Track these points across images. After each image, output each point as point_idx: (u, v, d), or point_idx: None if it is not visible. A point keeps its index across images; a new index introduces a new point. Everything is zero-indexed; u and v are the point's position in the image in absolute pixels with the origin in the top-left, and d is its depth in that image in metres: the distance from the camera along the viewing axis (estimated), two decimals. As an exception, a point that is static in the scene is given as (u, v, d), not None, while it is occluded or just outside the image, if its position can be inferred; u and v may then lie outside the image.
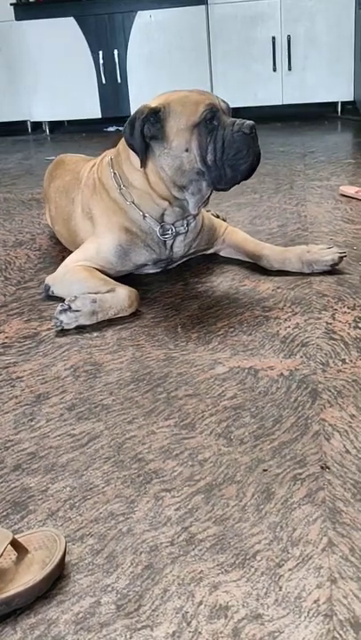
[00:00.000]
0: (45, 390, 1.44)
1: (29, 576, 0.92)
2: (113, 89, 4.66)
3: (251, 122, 1.70)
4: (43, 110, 4.83)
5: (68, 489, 1.12)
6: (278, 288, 1.83)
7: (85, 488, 1.12)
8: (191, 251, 1.99)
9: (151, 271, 1.98)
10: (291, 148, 3.67)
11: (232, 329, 1.63)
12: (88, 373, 1.49)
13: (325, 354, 1.48)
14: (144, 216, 1.82)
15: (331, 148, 3.62)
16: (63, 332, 1.68)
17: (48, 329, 1.71)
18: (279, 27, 4.34)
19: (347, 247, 2.06)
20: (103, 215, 1.88)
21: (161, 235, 1.85)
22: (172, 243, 1.90)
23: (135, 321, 1.72)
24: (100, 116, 4.75)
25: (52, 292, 1.85)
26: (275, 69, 4.44)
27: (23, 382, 1.48)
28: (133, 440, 1.24)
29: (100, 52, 4.58)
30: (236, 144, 1.68)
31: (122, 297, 1.73)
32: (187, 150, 1.70)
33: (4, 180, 3.51)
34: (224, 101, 1.77)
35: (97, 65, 4.62)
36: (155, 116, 1.69)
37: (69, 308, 1.69)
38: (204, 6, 4.35)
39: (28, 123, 4.95)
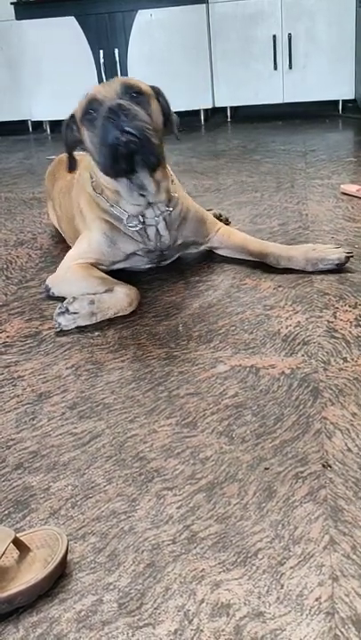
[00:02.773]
0: (47, 389, 1.44)
1: (31, 574, 0.92)
2: (114, 88, 4.65)
3: (113, 102, 1.61)
4: (43, 110, 4.82)
5: (69, 488, 1.12)
6: (279, 286, 1.83)
7: (87, 487, 1.12)
8: (179, 241, 1.95)
9: (146, 266, 1.96)
10: (292, 147, 3.67)
11: (233, 327, 1.63)
12: (89, 372, 1.49)
13: (327, 352, 1.48)
14: (111, 205, 1.84)
15: (332, 146, 3.61)
16: (64, 332, 1.69)
17: (49, 328, 1.71)
18: (280, 25, 4.34)
19: (348, 246, 2.06)
20: (86, 208, 1.91)
21: (128, 224, 1.83)
22: (155, 232, 1.87)
23: (136, 320, 1.72)
24: (100, 115, 4.75)
25: (53, 293, 1.86)
26: (275, 68, 4.43)
27: (25, 381, 1.48)
28: (135, 439, 1.24)
29: (101, 51, 4.57)
30: (100, 129, 1.64)
31: (120, 296, 1.73)
32: (88, 143, 1.75)
33: (5, 179, 3.51)
34: (124, 84, 1.70)
35: (98, 64, 4.61)
36: (73, 120, 1.78)
37: (67, 310, 1.69)
38: (204, 5, 4.35)
39: (29, 122, 4.95)
